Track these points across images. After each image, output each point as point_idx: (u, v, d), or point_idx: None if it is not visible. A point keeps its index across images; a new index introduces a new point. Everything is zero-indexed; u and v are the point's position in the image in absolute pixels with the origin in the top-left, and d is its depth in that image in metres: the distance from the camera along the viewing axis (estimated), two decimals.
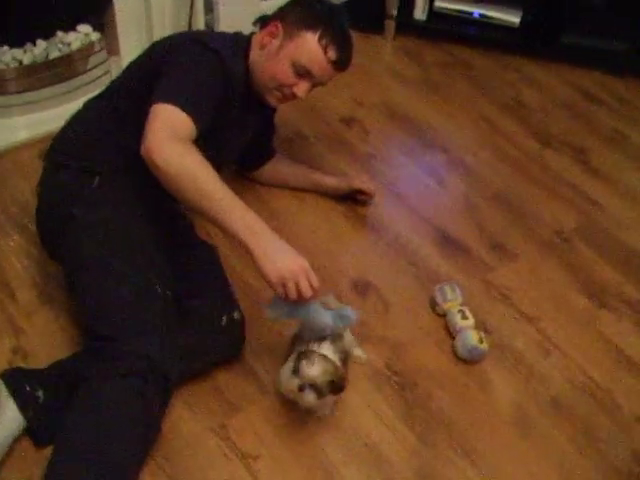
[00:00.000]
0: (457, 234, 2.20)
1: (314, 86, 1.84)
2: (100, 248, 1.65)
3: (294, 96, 1.82)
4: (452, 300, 1.92)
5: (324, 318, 1.58)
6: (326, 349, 1.57)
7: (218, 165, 2.00)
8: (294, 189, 2.29)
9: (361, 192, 2.23)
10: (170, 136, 1.51)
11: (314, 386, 1.51)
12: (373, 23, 3.06)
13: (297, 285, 1.48)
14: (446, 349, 1.87)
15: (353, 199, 2.26)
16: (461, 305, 1.91)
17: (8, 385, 1.61)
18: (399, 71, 2.93)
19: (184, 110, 1.55)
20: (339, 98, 2.71)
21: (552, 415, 1.74)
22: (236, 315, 1.71)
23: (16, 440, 1.57)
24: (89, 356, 1.56)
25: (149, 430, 1.54)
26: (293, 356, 1.59)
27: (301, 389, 1.52)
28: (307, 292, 1.49)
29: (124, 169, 1.73)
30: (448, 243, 2.16)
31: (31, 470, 1.51)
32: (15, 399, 1.59)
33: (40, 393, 1.61)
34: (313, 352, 1.55)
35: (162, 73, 1.63)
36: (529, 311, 1.98)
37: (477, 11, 2.97)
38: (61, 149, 1.82)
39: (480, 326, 1.90)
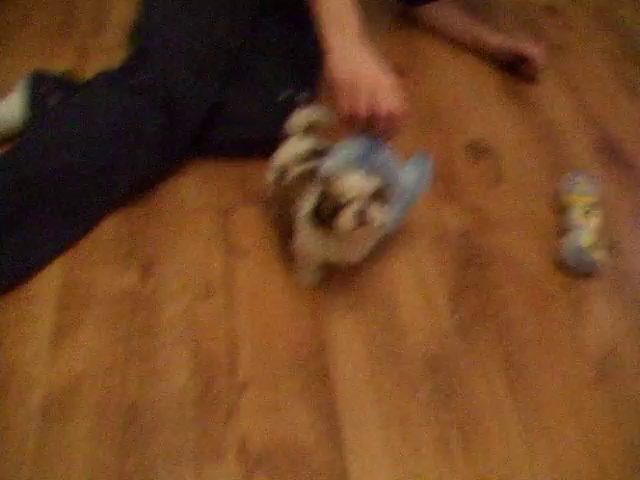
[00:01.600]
0: (629, 147, 1.65)
1: None
2: None
3: None
4: (582, 194, 1.41)
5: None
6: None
7: None
8: (453, 40, 1.87)
9: (526, 62, 1.75)
10: None
11: (372, 196, 1.05)
12: None
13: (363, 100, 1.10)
14: (547, 248, 1.37)
15: (515, 71, 1.79)
16: (591, 206, 1.39)
17: (28, 84, 1.43)
18: None
19: None
20: None
21: None
22: (299, 97, 1.35)
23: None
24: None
25: (132, 160, 1.27)
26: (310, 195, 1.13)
27: (362, 218, 1.04)
28: (380, 108, 1.09)
29: None
30: (610, 151, 1.62)
31: None
32: (26, 97, 1.41)
33: (53, 99, 1.42)
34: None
35: None
36: None
37: None
38: None
39: (608, 245, 1.37)
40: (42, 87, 1.40)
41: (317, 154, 1.18)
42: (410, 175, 1.21)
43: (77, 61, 1.63)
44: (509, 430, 1.09)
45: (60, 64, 1.62)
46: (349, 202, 1.03)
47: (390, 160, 1.16)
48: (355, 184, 1.04)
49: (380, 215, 1.05)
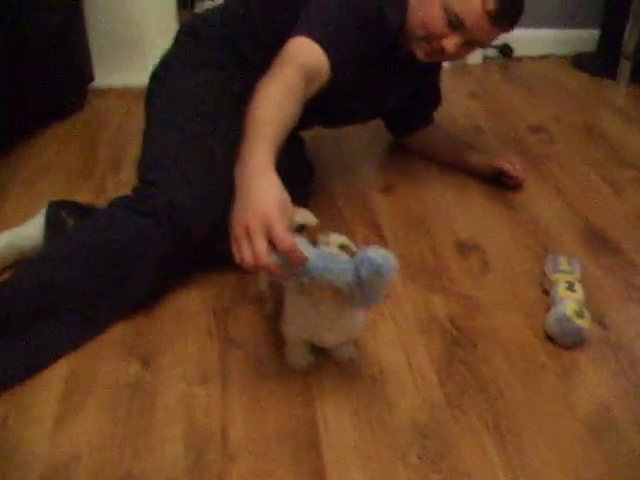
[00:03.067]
0: (613, 235, 1.72)
1: (469, 45, 1.59)
2: (174, 104, 1.60)
3: (442, 51, 1.57)
4: (564, 272, 1.47)
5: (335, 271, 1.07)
6: None
7: (347, 121, 1.89)
8: (440, 162, 2.03)
9: (506, 175, 1.88)
10: (285, 64, 1.34)
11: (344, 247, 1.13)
12: (606, 67, 2.74)
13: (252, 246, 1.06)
14: (537, 325, 1.42)
15: (499, 182, 1.92)
16: (573, 281, 1.45)
17: (48, 208, 1.60)
18: (621, 108, 2.54)
19: (322, 48, 1.40)
20: (537, 112, 2.41)
21: None
22: None
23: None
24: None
25: (139, 276, 1.39)
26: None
27: None
28: (259, 256, 1.03)
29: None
30: (596, 240, 1.70)
31: None
32: (46, 219, 1.56)
33: (71, 221, 1.57)
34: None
35: (311, 5, 1.50)
36: None
37: None
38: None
39: (595, 319, 1.42)
40: (62, 211, 1.55)
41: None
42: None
43: (96, 197, 1.80)
44: None
45: (81, 200, 1.76)
46: None
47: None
48: None
49: None
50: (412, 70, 1.75)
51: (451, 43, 1.54)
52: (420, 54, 1.62)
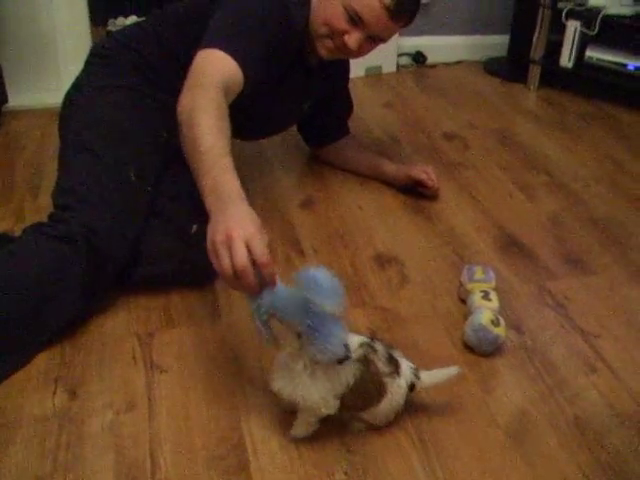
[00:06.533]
0: (527, 241, 1.78)
1: (373, 41, 1.63)
2: (87, 127, 1.58)
3: (345, 47, 1.61)
4: (480, 281, 1.51)
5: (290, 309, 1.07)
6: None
7: (265, 131, 1.90)
8: (357, 173, 2.05)
9: (421, 185, 1.91)
10: (205, 84, 1.33)
11: None
12: (516, 72, 2.83)
13: (231, 253, 1.06)
14: (456, 335, 1.45)
15: (415, 192, 1.95)
16: (488, 291, 1.48)
17: None
18: (532, 111, 2.62)
19: (232, 57, 1.40)
20: (451, 119, 2.46)
21: (569, 435, 1.23)
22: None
23: None
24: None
25: (60, 303, 1.36)
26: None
27: None
28: (239, 260, 1.04)
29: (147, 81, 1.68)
30: (511, 246, 1.75)
31: None
32: None
33: None
34: None
35: (216, 11, 1.51)
36: (586, 325, 1.49)
37: (633, 64, 2.59)
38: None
39: (512, 326, 1.46)
40: None
41: None
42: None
43: (15, 223, 1.76)
44: None
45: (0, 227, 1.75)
46: None
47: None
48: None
49: None
50: (322, 74, 1.79)
51: (352, 38, 1.58)
52: (324, 52, 1.65)
